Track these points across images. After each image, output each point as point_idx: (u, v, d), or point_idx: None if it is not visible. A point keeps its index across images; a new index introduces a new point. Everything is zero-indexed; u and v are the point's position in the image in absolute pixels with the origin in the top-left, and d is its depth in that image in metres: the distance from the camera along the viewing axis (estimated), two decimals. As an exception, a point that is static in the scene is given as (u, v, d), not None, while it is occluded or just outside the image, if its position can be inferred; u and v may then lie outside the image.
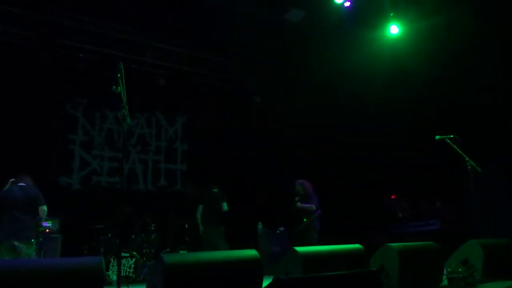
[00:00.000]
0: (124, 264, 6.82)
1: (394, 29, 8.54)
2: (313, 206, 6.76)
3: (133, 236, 7.38)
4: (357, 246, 4.21)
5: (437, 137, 5.63)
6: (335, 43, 8.48)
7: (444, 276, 4.51)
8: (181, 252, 7.22)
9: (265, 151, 9.60)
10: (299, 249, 3.83)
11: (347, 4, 7.94)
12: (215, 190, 7.30)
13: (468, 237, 4.99)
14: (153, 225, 7.58)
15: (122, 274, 6.61)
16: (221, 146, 9.44)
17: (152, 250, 7.33)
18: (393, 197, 10.11)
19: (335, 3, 7.92)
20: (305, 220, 6.66)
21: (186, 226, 7.88)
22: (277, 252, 7.89)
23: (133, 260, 6.93)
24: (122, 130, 3.61)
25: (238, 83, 9.98)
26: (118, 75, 3.61)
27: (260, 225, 8.58)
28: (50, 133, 8.01)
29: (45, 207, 5.07)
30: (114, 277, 6.56)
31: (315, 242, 6.54)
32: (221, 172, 9.09)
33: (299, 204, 6.61)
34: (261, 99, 10.17)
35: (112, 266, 6.70)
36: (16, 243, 4.74)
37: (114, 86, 3.58)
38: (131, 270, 6.88)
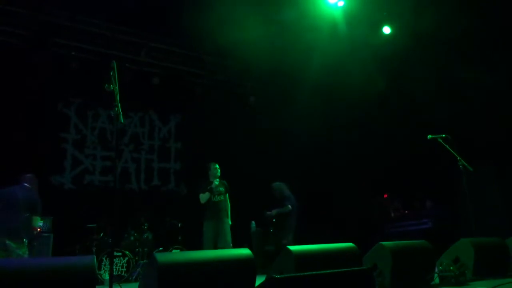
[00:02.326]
0: (116, 263, 6.79)
1: (386, 30, 8.61)
2: (289, 207, 7.11)
3: (126, 235, 7.36)
4: (350, 244, 4.23)
5: (429, 136, 5.68)
6: (329, 43, 8.50)
7: (436, 275, 4.55)
8: (174, 251, 7.20)
9: (259, 151, 9.60)
10: (292, 247, 3.84)
11: (341, 4, 7.97)
12: None
13: (460, 236, 5.04)
14: (146, 224, 7.55)
15: (114, 274, 6.58)
16: (214, 146, 9.43)
17: (145, 249, 7.30)
18: (385, 196, 10.17)
19: (329, 4, 7.95)
20: (274, 220, 6.98)
21: (179, 225, 7.86)
22: (270, 251, 7.91)
23: (126, 259, 6.90)
24: (115, 129, 3.60)
25: (232, 83, 9.98)
26: (111, 73, 3.59)
27: (253, 224, 8.60)
28: (43, 132, 7.94)
29: (38, 219, 5.05)
30: (107, 277, 6.52)
31: (290, 243, 6.73)
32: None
33: (274, 211, 7.13)
34: (256, 99, 10.17)
35: (105, 265, 6.67)
36: (7, 242, 4.70)
37: (106, 85, 3.56)
38: (124, 270, 6.85)
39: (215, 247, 5.92)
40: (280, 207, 7.20)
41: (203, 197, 6.13)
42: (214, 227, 6.06)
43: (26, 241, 4.88)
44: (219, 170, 6.40)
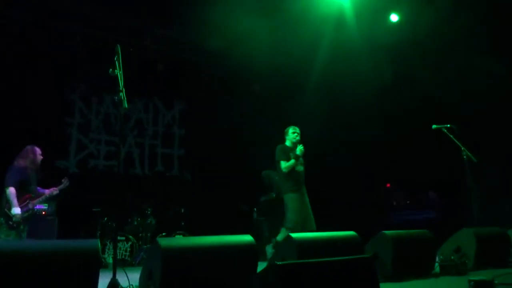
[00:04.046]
0: (120, 248, 6.87)
1: (394, 17, 8.49)
2: (272, 195, 7.47)
3: (130, 220, 7.43)
4: (352, 233, 4.26)
5: (434, 126, 5.65)
6: (336, 31, 8.42)
7: (437, 264, 4.57)
8: (177, 236, 7.26)
9: (263, 138, 9.58)
10: (295, 235, 3.87)
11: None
12: None
13: (463, 226, 5.06)
14: (149, 209, 7.61)
15: (118, 258, 6.65)
16: (218, 132, 9.44)
17: (148, 234, 7.37)
18: (388, 185, 10.18)
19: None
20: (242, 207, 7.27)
21: (182, 210, 7.92)
22: (266, 238, 8.01)
23: (129, 243, 6.98)
24: (119, 114, 3.60)
25: (237, 70, 9.91)
26: (115, 58, 3.58)
27: (256, 212, 8.64)
28: (48, 117, 7.96)
29: (7, 189, 4.96)
30: (111, 260, 6.61)
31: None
32: (218, 158, 9.10)
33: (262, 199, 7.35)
34: (260, 87, 10.11)
35: (108, 249, 6.75)
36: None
37: (111, 70, 3.56)
38: (127, 254, 6.93)
39: (304, 221, 5.10)
40: (266, 195, 7.40)
41: (288, 165, 5.21)
42: (300, 199, 5.17)
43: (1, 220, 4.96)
44: (299, 135, 5.50)
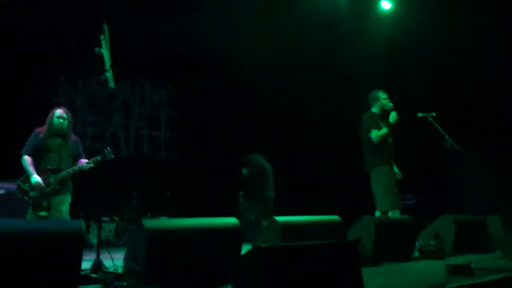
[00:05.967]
0: (104, 228, 6.86)
1: (386, 5, 8.44)
2: (243, 170, 7.55)
3: (114, 201, 7.40)
4: (335, 217, 4.34)
5: (419, 114, 5.62)
6: (328, 18, 8.39)
7: (416, 249, 4.70)
8: (162, 218, 7.28)
9: (251, 121, 9.58)
10: (279, 218, 3.93)
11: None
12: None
13: (444, 213, 5.19)
14: (134, 190, 7.59)
15: (102, 238, 6.65)
16: (206, 114, 9.39)
17: (133, 216, 7.36)
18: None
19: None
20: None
21: (168, 192, 7.92)
22: (255, 221, 8.06)
23: (114, 224, 6.98)
24: (105, 94, 3.57)
25: (226, 51, 9.81)
26: (102, 36, 3.52)
27: (241, 195, 8.69)
28: (32, 96, 7.79)
29: (22, 158, 4.35)
30: (95, 240, 6.60)
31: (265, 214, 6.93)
32: (206, 140, 9.08)
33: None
34: (250, 68, 10.03)
35: (93, 229, 6.73)
36: None
37: (97, 48, 3.50)
38: (112, 234, 6.93)
39: (393, 198, 4.67)
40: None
41: (380, 133, 4.60)
42: (390, 174, 4.70)
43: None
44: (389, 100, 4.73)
